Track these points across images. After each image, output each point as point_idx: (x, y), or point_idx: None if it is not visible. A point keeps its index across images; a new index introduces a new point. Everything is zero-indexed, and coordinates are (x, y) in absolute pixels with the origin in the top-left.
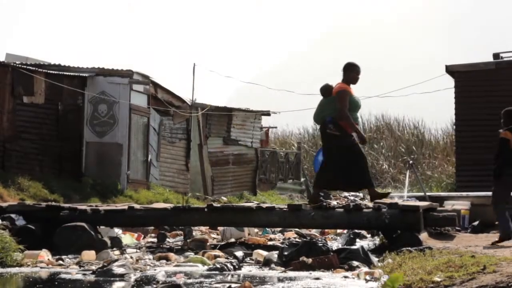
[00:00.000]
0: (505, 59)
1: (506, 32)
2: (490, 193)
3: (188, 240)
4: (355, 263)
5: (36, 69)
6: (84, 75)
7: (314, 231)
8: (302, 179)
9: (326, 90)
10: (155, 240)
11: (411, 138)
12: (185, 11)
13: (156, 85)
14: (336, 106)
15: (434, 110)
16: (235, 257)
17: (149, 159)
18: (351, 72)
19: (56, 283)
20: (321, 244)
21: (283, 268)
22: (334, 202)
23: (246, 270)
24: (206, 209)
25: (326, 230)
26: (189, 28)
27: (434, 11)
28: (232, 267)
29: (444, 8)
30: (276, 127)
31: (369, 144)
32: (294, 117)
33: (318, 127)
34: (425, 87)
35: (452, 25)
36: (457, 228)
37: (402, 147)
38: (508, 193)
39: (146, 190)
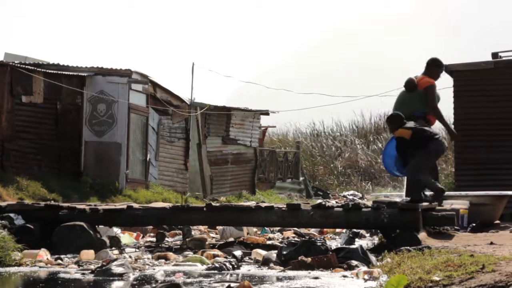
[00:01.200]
0: (504, 58)
1: (506, 33)
2: (489, 192)
3: (187, 240)
4: (354, 262)
5: (35, 68)
6: (83, 74)
7: (313, 231)
8: (301, 178)
9: (411, 84)
10: (154, 239)
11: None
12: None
13: (155, 85)
14: (426, 100)
15: None
16: (234, 256)
17: (148, 159)
18: (436, 66)
19: (55, 282)
20: (320, 244)
21: (282, 268)
22: (333, 201)
23: (245, 269)
24: (205, 209)
25: (325, 230)
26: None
27: (434, 12)
28: (231, 266)
29: (444, 9)
30: (275, 126)
31: (369, 143)
32: (293, 116)
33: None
34: None
35: (452, 25)
36: (456, 227)
37: None
38: None
39: (145, 189)
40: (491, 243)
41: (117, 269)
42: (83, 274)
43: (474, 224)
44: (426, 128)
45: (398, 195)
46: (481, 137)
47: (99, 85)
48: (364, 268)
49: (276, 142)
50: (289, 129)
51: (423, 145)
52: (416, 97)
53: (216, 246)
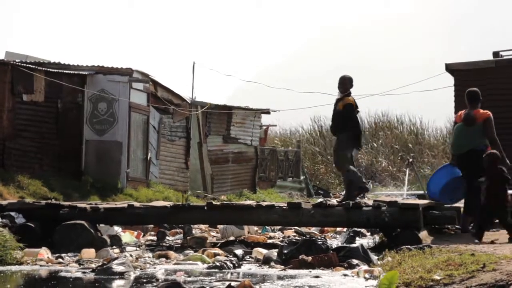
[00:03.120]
0: (504, 57)
1: (506, 33)
2: None
3: (187, 238)
4: (355, 261)
5: (36, 67)
6: (83, 73)
7: (313, 229)
8: (302, 177)
9: (471, 118)
10: (154, 238)
11: (411, 136)
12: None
13: (155, 83)
14: (486, 133)
15: (433, 109)
16: (235, 255)
17: (148, 157)
18: (481, 97)
19: (56, 281)
20: (321, 242)
21: (282, 266)
22: (333, 201)
23: (246, 268)
24: (205, 207)
25: (325, 228)
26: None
27: (435, 11)
28: (231, 265)
29: (444, 8)
30: (275, 125)
31: (369, 142)
32: (293, 115)
33: (455, 154)
34: (425, 85)
35: (452, 24)
36: (456, 226)
37: (402, 145)
38: None
39: (145, 188)
40: (492, 242)
41: (118, 268)
42: (84, 272)
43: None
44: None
45: (399, 194)
46: None
47: (100, 83)
48: (365, 267)
49: (277, 142)
50: (290, 128)
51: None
52: (477, 131)
53: (217, 245)
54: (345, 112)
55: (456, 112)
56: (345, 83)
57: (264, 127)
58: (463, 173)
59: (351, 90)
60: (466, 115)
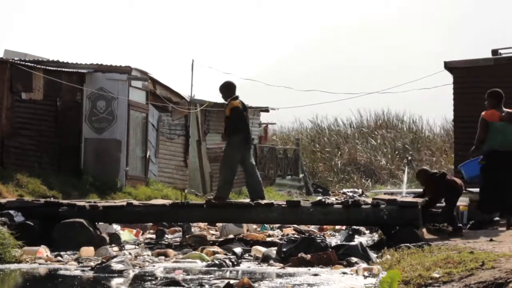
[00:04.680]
0: (503, 55)
1: (506, 31)
2: None
3: (186, 236)
4: (354, 259)
5: (35, 65)
6: (82, 71)
7: (312, 227)
8: (301, 175)
9: None
10: (153, 236)
11: (410, 135)
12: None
13: (154, 81)
14: None
15: (432, 107)
16: (234, 253)
17: (147, 156)
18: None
19: (55, 279)
20: (320, 240)
21: (281, 264)
22: (332, 198)
23: (245, 266)
24: (204, 206)
25: (324, 226)
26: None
27: (434, 9)
28: (230, 263)
29: (444, 6)
30: (274, 123)
31: (368, 140)
32: (293, 113)
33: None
34: (424, 83)
35: (451, 23)
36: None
37: (401, 143)
38: None
39: (144, 186)
40: (491, 240)
41: (117, 266)
42: (83, 271)
43: (473, 221)
44: None
45: (398, 192)
46: None
47: (98, 82)
48: (364, 265)
49: (276, 140)
50: (289, 126)
51: None
52: None
53: (216, 243)
54: (231, 116)
55: (455, 110)
56: (223, 91)
57: (264, 125)
58: (505, 170)
59: (236, 93)
60: (511, 114)
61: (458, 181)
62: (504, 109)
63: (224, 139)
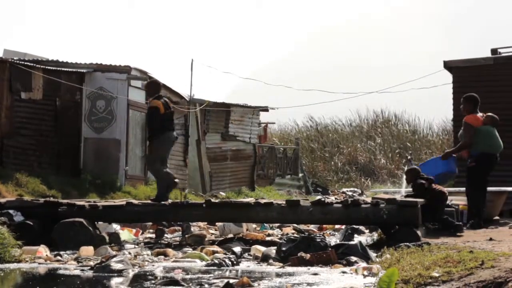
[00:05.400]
0: (503, 54)
1: (505, 30)
2: (488, 189)
3: (186, 236)
4: (353, 258)
5: (34, 65)
6: (82, 71)
7: (312, 227)
8: (300, 175)
9: (498, 121)
10: (153, 236)
11: (409, 134)
12: (183, 7)
13: None
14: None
15: (432, 106)
16: (233, 252)
17: None
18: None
19: (54, 279)
20: (319, 240)
21: (281, 264)
22: (332, 198)
23: (244, 265)
24: (204, 205)
25: (324, 226)
26: (187, 24)
27: (434, 8)
28: (230, 262)
29: (443, 5)
30: (274, 123)
31: (367, 139)
32: (292, 112)
33: (495, 153)
34: (423, 82)
35: (450, 22)
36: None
37: (400, 143)
38: None
39: (144, 185)
40: (491, 239)
41: (116, 266)
42: (82, 270)
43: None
44: None
45: (398, 191)
46: None
47: (98, 81)
48: (363, 264)
49: (275, 139)
50: (289, 125)
51: None
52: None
53: (216, 243)
54: (150, 114)
55: (455, 110)
56: (149, 88)
57: (263, 125)
58: (490, 171)
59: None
60: (495, 118)
61: (443, 190)
62: (480, 113)
63: (148, 138)
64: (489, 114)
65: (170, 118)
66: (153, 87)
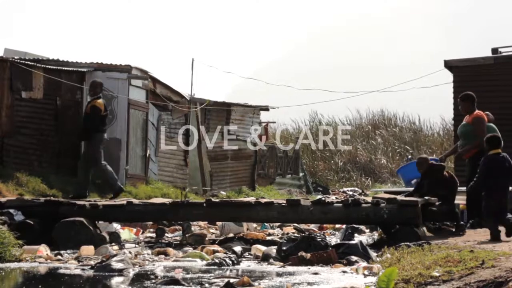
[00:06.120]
0: (503, 54)
1: (505, 29)
2: None
3: (186, 235)
4: (354, 258)
5: (35, 64)
6: (82, 70)
7: (312, 226)
8: (301, 174)
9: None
10: (153, 235)
11: (409, 133)
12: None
13: (154, 80)
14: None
15: (432, 105)
16: (234, 252)
17: (147, 154)
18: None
19: (55, 278)
20: (320, 239)
21: (281, 263)
22: (332, 197)
23: (245, 265)
24: (204, 204)
25: (324, 225)
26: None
27: (434, 7)
28: (230, 262)
29: (443, 5)
30: (274, 122)
31: (368, 139)
32: (293, 112)
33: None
34: (424, 82)
35: (451, 21)
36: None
37: (400, 142)
38: None
39: (144, 185)
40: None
41: (117, 265)
42: (83, 269)
43: (473, 220)
44: None
45: (398, 191)
46: None
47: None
48: (364, 264)
49: (275, 139)
50: (289, 125)
51: None
52: None
53: (216, 242)
54: (92, 114)
55: (455, 109)
56: (96, 87)
57: (264, 124)
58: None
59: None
60: (492, 117)
61: (454, 177)
62: (477, 110)
63: (82, 138)
64: (487, 112)
65: (105, 119)
66: (97, 87)
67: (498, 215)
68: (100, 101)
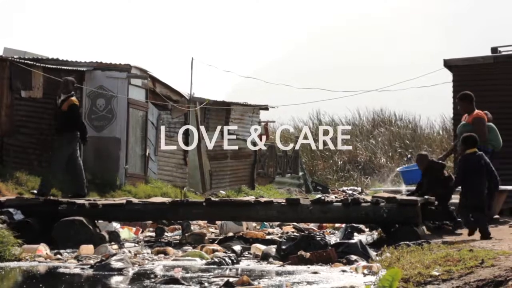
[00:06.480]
0: (503, 53)
1: (505, 28)
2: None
3: (186, 234)
4: (353, 257)
5: (34, 63)
6: (82, 69)
7: (312, 225)
8: (300, 173)
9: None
10: (153, 234)
11: (408, 132)
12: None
13: (154, 80)
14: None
15: (432, 105)
16: (233, 251)
17: (147, 154)
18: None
19: (55, 277)
20: (319, 238)
21: (281, 262)
22: (332, 196)
23: (244, 264)
24: (204, 204)
25: (324, 224)
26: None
27: (433, 7)
28: (230, 261)
29: (443, 4)
30: (274, 121)
31: (367, 137)
32: (292, 111)
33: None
34: (423, 81)
35: (450, 20)
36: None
37: (400, 141)
38: None
39: (144, 184)
40: (490, 238)
41: (116, 264)
42: (82, 269)
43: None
44: None
45: (397, 190)
46: None
47: (98, 80)
48: (363, 263)
49: (274, 138)
50: (290, 124)
51: None
52: None
53: (216, 241)
54: (70, 112)
55: (455, 108)
56: (68, 84)
57: (263, 123)
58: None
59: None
60: (488, 116)
61: (453, 177)
62: (477, 110)
63: (58, 134)
64: (486, 111)
65: (80, 116)
66: (69, 85)
67: (473, 212)
68: (75, 98)
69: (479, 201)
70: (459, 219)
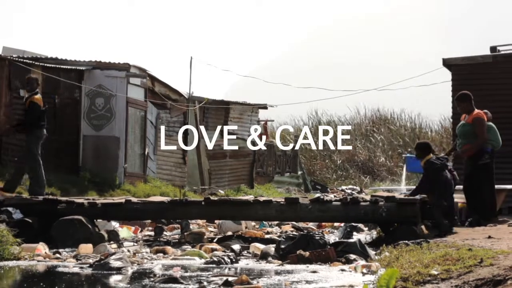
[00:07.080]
0: (502, 52)
1: (504, 27)
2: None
3: (185, 234)
4: (352, 256)
5: (33, 62)
6: (81, 68)
7: (311, 224)
8: (299, 172)
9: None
10: (152, 233)
11: (408, 132)
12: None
13: (153, 79)
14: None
15: (431, 104)
16: (232, 250)
17: (146, 153)
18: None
19: (53, 276)
20: (318, 238)
21: (280, 262)
22: (331, 195)
23: (243, 263)
24: (203, 203)
25: (323, 224)
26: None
27: (433, 7)
28: (229, 260)
29: (442, 4)
30: (273, 120)
31: (367, 137)
32: (292, 110)
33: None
34: (422, 80)
35: (450, 19)
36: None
37: (399, 140)
38: None
39: (143, 183)
40: (489, 237)
41: (115, 263)
42: (81, 268)
43: (472, 218)
44: None
45: (397, 189)
46: None
47: (97, 79)
48: (362, 262)
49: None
50: (289, 124)
51: None
52: None
53: (215, 240)
54: (30, 109)
55: (454, 107)
56: (32, 82)
57: (262, 122)
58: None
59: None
60: (488, 115)
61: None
62: (476, 110)
63: (19, 131)
64: (486, 111)
65: (44, 115)
66: (34, 83)
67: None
68: (38, 96)
69: (447, 201)
70: (462, 220)
